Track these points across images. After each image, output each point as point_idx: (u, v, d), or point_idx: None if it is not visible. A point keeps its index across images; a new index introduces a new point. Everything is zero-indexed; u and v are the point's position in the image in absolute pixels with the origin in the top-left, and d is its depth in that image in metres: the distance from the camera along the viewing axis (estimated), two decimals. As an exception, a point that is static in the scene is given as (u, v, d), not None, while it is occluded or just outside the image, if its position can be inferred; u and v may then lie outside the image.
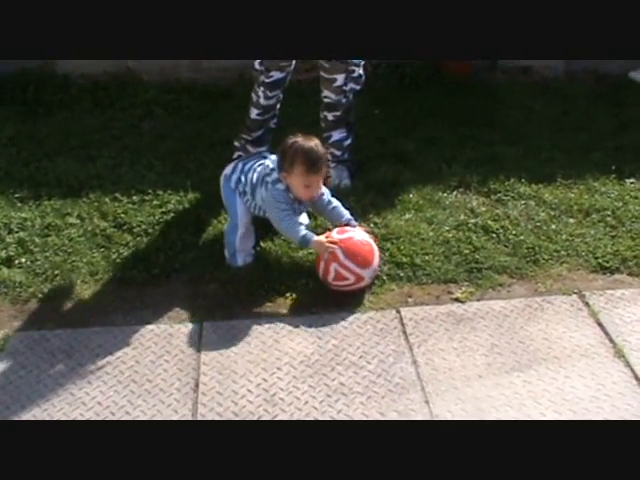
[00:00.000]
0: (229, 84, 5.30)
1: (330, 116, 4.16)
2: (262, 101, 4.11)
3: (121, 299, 3.39)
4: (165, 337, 3.15)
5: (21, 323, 3.28)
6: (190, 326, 3.21)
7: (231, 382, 2.92)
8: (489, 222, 3.81)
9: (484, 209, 3.93)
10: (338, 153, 4.19)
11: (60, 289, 3.45)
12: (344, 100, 4.10)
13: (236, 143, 4.32)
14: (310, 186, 3.39)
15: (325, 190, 3.53)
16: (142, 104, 5.15)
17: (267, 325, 3.21)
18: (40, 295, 3.42)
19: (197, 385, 2.91)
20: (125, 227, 3.82)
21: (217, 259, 3.57)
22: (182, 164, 4.38)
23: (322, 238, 3.37)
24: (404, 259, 3.55)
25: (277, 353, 3.06)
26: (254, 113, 4.18)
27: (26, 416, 2.79)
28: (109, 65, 5.39)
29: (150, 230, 3.79)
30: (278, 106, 4.19)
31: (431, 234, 3.73)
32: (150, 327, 3.20)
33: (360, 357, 3.03)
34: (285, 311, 3.29)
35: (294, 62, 4.05)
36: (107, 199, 4.03)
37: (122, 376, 2.95)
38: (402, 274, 3.48)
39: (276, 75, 4.02)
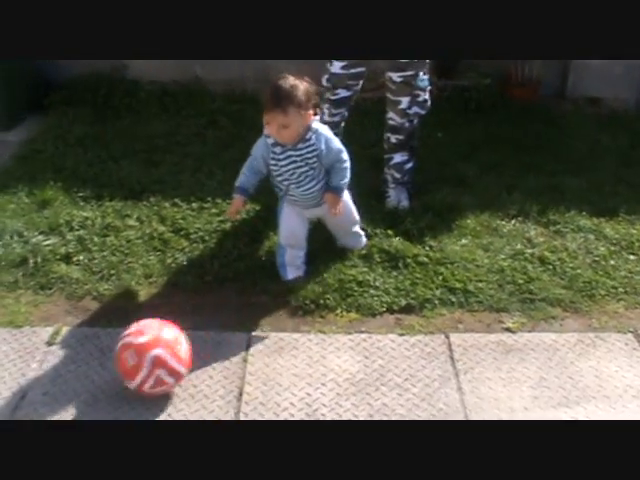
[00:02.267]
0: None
1: (393, 138, 4.16)
2: (326, 118, 4.09)
3: (173, 303, 3.44)
4: (213, 344, 3.18)
5: (74, 319, 3.36)
6: (238, 335, 3.24)
7: (275, 394, 2.93)
8: (546, 253, 3.76)
9: (542, 239, 3.88)
10: (398, 175, 4.20)
11: (114, 288, 3.52)
12: (408, 124, 4.09)
13: None
14: (269, 123, 3.26)
15: (324, 145, 3.35)
16: (207, 113, 5.23)
17: (315, 340, 3.22)
18: (95, 293, 3.49)
19: (241, 394, 2.93)
20: (182, 233, 3.87)
21: (270, 271, 3.59)
22: (243, 175, 4.42)
23: (238, 204, 3.45)
24: (457, 284, 3.53)
25: (323, 369, 3.06)
26: None
27: (72, 410, 2.86)
28: (178, 73, 5.49)
29: (207, 237, 3.83)
30: (342, 124, 4.18)
31: (486, 261, 3.70)
32: (199, 333, 3.22)
33: (405, 379, 3.01)
34: (334, 328, 3.30)
35: (361, 82, 4.02)
36: (167, 204, 4.09)
37: (168, 380, 2.99)
38: (454, 299, 3.46)
39: (342, 93, 4.02)
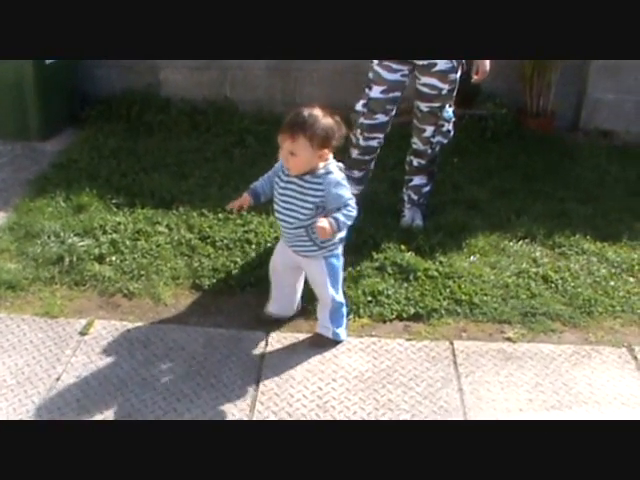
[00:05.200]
0: (319, 121, 5.60)
1: (415, 162, 4.34)
2: (362, 142, 4.20)
3: (197, 304, 3.69)
4: (234, 340, 3.43)
5: (105, 313, 3.62)
6: (257, 334, 3.49)
7: (289, 386, 3.17)
8: (550, 272, 3.98)
9: (546, 260, 4.11)
10: (415, 197, 4.40)
11: (143, 288, 3.78)
12: (430, 151, 4.26)
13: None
14: (281, 146, 3.14)
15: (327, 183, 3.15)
16: (236, 132, 5.53)
17: (329, 341, 3.46)
18: (125, 291, 3.75)
19: (258, 385, 3.17)
20: (209, 240, 4.13)
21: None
22: (267, 190, 4.68)
23: (244, 201, 3.38)
24: (463, 297, 3.75)
25: (334, 367, 3.30)
26: (355, 153, 4.25)
27: (102, 393, 3.11)
28: (208, 92, 5.80)
29: (231, 245, 4.09)
30: (379, 150, 4.27)
31: (492, 277, 3.92)
32: (221, 330, 3.47)
33: (410, 379, 3.24)
34: (347, 331, 3.52)
35: (396, 107, 4.10)
36: (195, 213, 4.36)
37: (191, 369, 3.24)
38: (460, 310, 3.68)
39: (381, 118, 4.10)
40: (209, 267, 3.92)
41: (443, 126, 4.20)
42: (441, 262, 4.01)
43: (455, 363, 3.35)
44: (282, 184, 3.24)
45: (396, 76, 4.01)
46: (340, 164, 3.25)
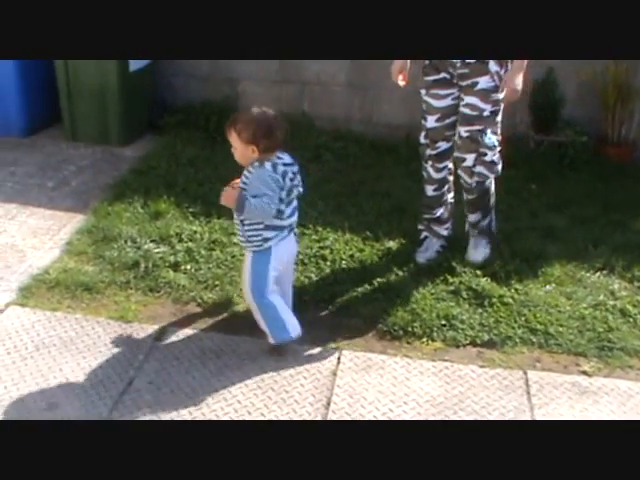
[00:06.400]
0: (395, 141, 5.63)
1: (465, 197, 4.16)
2: (434, 174, 4.12)
3: (271, 317, 3.69)
4: (306, 357, 3.43)
5: (179, 321, 3.65)
6: (330, 351, 3.48)
7: (360, 407, 3.15)
8: (628, 306, 3.89)
9: (625, 293, 4.02)
10: (474, 231, 4.24)
11: (217, 298, 3.80)
12: (476, 184, 4.03)
13: (420, 226, 4.33)
14: None
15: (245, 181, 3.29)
16: (312, 147, 5.54)
17: (401, 363, 3.43)
18: (199, 300, 3.78)
19: (329, 403, 3.16)
20: (283, 254, 4.13)
21: (363, 297, 3.85)
22: (343, 207, 4.71)
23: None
24: (538, 326, 3.69)
25: (406, 389, 3.27)
26: (430, 190, 4.18)
27: (174, 400, 3.13)
28: (286, 106, 5.81)
29: (306, 261, 4.10)
30: (451, 178, 4.20)
31: (568, 308, 3.85)
32: (294, 346, 3.47)
33: (482, 407, 3.19)
34: (419, 354, 3.50)
35: (455, 130, 3.99)
36: (270, 226, 4.37)
37: (262, 382, 3.24)
38: (534, 340, 3.62)
39: (443, 146, 4.04)
40: (283, 281, 3.93)
41: (485, 155, 3.95)
42: (517, 289, 3.95)
43: (528, 393, 3.29)
44: None
45: (446, 101, 3.95)
46: (281, 162, 3.28)
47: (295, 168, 3.36)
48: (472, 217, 4.23)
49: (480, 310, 3.78)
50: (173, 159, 5.26)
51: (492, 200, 4.19)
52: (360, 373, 3.34)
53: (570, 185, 5.19)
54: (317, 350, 3.48)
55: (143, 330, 3.56)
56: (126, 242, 4.19)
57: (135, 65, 5.53)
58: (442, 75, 3.91)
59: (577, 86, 5.61)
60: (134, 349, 3.42)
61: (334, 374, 3.33)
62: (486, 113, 3.87)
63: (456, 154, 4.04)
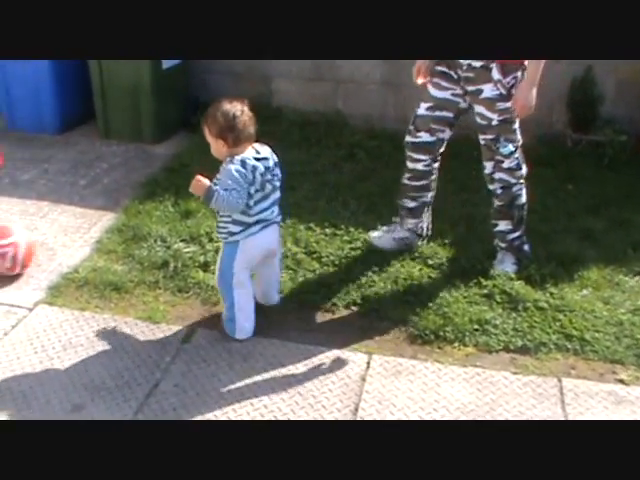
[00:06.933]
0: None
1: (494, 203, 4.04)
2: (408, 164, 4.03)
3: (300, 319, 3.65)
4: (335, 361, 3.37)
5: (208, 322, 3.61)
6: (359, 356, 3.41)
7: (388, 413, 3.08)
8: (667, 312, 3.79)
9: (664, 298, 3.91)
10: (502, 245, 4.09)
11: (260, 299, 3.75)
12: (500, 190, 3.93)
13: (400, 210, 4.24)
14: None
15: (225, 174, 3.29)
16: (346, 146, 5.48)
17: (431, 369, 3.36)
18: (228, 301, 3.72)
19: (357, 409, 3.09)
20: (315, 255, 4.09)
21: (394, 299, 3.77)
22: (376, 206, 4.63)
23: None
24: (574, 332, 3.60)
25: (436, 396, 3.20)
26: (404, 177, 4.10)
27: (199, 403, 3.09)
28: (320, 104, 5.77)
29: (337, 262, 4.04)
30: (432, 177, 4.07)
31: (605, 313, 3.75)
32: (322, 349, 3.42)
33: (515, 416, 3.11)
34: (451, 360, 3.42)
35: (447, 130, 3.93)
36: (302, 227, 4.32)
37: (290, 387, 3.19)
38: (569, 346, 3.53)
39: (424, 137, 3.92)
40: (314, 282, 3.88)
41: (502, 162, 3.84)
42: (552, 294, 3.86)
43: (563, 402, 3.20)
44: None
45: (445, 94, 3.84)
46: (252, 157, 3.29)
47: (269, 163, 3.35)
48: (502, 226, 4.05)
49: (514, 315, 3.69)
50: (205, 157, 5.10)
51: (522, 212, 4.03)
52: (389, 378, 3.28)
53: (609, 186, 5.06)
54: (346, 354, 3.42)
55: (171, 331, 3.53)
56: (156, 241, 4.17)
57: (168, 63, 5.52)
58: (451, 72, 3.81)
59: (616, 84, 5.49)
60: (161, 351, 3.39)
61: (363, 379, 3.27)
62: (494, 122, 3.76)
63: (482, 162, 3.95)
